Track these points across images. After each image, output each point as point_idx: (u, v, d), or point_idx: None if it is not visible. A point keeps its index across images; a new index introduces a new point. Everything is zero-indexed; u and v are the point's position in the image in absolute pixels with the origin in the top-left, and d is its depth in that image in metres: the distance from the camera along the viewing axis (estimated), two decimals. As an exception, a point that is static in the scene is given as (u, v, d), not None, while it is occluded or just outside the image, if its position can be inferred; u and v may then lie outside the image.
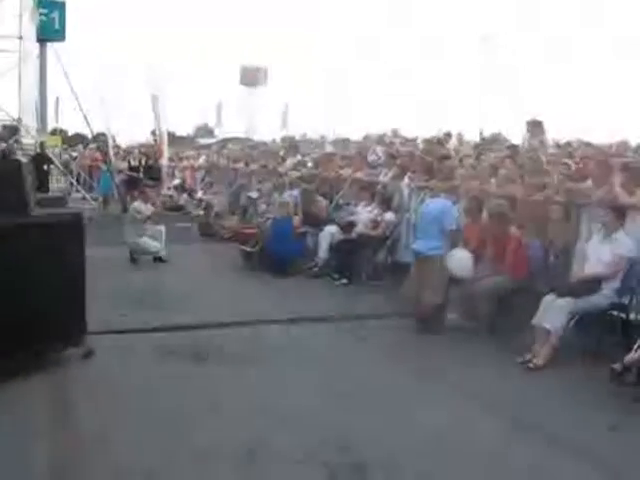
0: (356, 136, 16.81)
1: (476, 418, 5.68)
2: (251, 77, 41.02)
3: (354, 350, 7.46)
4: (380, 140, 15.17)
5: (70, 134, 39.40)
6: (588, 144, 11.59)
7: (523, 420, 5.64)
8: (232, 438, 5.09)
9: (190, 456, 4.82)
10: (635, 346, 6.19)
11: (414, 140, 14.67)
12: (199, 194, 19.02)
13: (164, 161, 22.27)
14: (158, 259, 12.13)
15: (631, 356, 6.14)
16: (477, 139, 14.80)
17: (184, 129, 47.44)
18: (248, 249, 11.86)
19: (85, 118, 21.17)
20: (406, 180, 11.18)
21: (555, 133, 13.37)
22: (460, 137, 14.42)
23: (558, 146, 12.39)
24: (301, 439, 5.11)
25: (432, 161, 11.09)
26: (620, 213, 7.27)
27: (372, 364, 6.96)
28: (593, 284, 7.07)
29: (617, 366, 6.07)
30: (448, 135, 14.01)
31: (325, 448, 4.96)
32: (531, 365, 6.86)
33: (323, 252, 11.24)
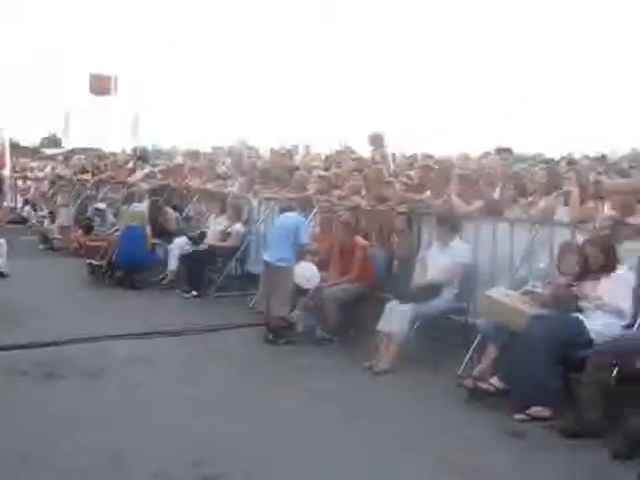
0: (206, 147, 16.68)
1: (323, 423, 5.75)
2: (100, 86, 39.84)
3: (206, 362, 7.38)
4: (230, 151, 15.18)
5: None
6: (429, 156, 12.06)
7: (368, 424, 5.77)
8: (86, 455, 4.93)
9: (41, 471, 4.67)
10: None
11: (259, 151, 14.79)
12: (44, 206, 18.26)
13: (6, 172, 21.23)
14: (-2, 274, 11.56)
15: (478, 369, 6.50)
16: (327, 151, 15.07)
17: (30, 139, 45.32)
18: (95, 262, 11.53)
19: None
20: (255, 191, 11.27)
21: (402, 147, 13.89)
22: (308, 149, 14.66)
23: (403, 158, 12.85)
24: (155, 453, 5.03)
25: (281, 172, 11.24)
26: (456, 222, 7.67)
27: (224, 376, 6.92)
28: (433, 290, 7.39)
29: (468, 382, 6.34)
30: (296, 147, 14.21)
31: (179, 462, 4.88)
32: (376, 369, 7.08)
33: (173, 264, 11.11)
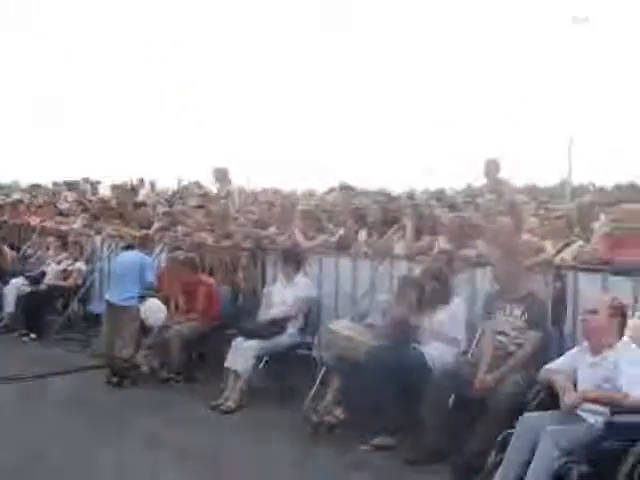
0: (47, 182, 16.02)
1: (167, 467, 5.62)
2: None
3: (41, 410, 7.04)
4: (71, 187, 14.71)
5: None
6: (276, 191, 12.22)
7: (212, 464, 5.71)
8: None
9: None
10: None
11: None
12: None
13: None
14: None
15: (324, 402, 6.58)
16: (174, 187, 14.93)
17: None
18: None
19: None
20: (98, 228, 10.96)
21: (248, 182, 14.00)
22: (153, 184, 14.45)
23: (250, 193, 12.96)
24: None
25: (125, 208, 11.02)
26: (300, 257, 7.78)
27: (59, 424, 6.60)
28: (279, 325, 7.44)
29: (313, 416, 6.42)
30: (141, 182, 13.96)
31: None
32: (224, 408, 7.02)
33: (9, 306, 10.55)
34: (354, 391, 6.33)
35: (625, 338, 4.80)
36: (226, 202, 9.56)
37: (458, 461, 5.46)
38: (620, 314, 4.84)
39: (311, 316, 7.60)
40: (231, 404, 7.06)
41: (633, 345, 4.77)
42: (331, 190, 11.95)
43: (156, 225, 9.84)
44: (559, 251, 6.57)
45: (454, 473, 5.41)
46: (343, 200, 9.53)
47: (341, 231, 8.29)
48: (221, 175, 10.09)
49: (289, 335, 7.47)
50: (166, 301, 8.29)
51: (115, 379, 7.84)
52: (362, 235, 7.99)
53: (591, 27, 29.09)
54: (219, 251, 8.90)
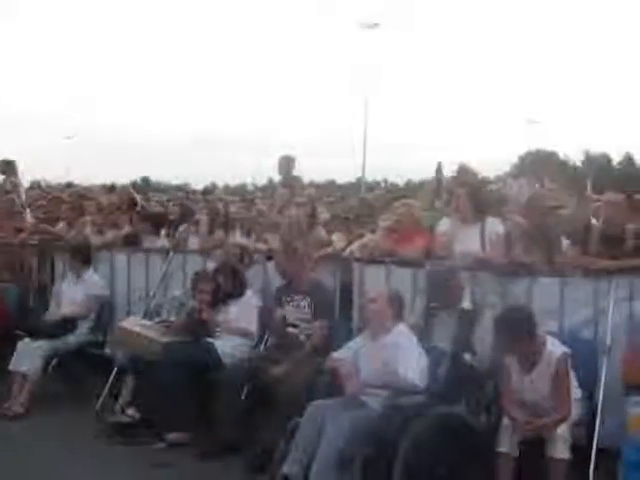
0: None
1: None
2: None
3: None
4: None
5: None
6: (70, 185, 11.83)
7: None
8: None
9: None
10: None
11: None
12: None
13: None
14: None
15: (118, 402, 6.41)
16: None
17: None
18: None
19: None
20: None
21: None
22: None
23: (34, 187, 12.45)
24: None
25: None
26: (89, 253, 7.56)
27: None
28: (68, 324, 7.20)
29: (107, 417, 6.31)
30: None
31: None
32: (9, 413, 6.69)
33: None
34: (148, 389, 6.25)
35: (401, 325, 5.12)
36: (12, 196, 9.05)
37: (251, 452, 5.55)
38: (397, 303, 5.15)
39: (103, 314, 7.40)
40: (18, 409, 6.73)
41: (408, 331, 5.09)
42: (132, 185, 11.74)
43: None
44: (348, 244, 6.84)
45: (248, 464, 5.48)
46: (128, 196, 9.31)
47: (127, 227, 8.15)
48: (7, 168, 9.53)
49: (80, 334, 7.24)
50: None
51: None
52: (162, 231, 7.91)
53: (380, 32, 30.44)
54: (5, 248, 8.44)
